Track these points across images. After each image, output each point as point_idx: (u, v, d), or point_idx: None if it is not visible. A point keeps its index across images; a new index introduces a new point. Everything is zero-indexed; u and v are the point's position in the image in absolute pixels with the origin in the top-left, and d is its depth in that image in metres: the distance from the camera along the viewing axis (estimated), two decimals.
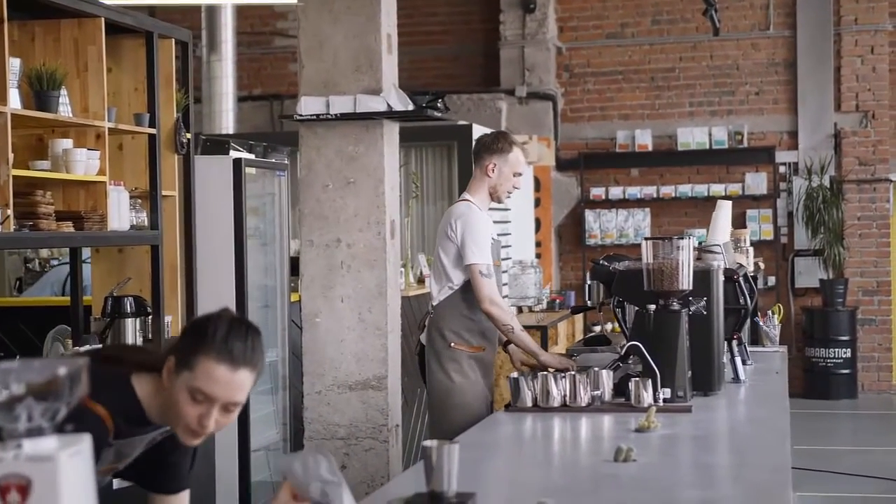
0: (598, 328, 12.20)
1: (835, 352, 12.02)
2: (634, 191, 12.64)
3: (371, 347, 5.75)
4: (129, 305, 5.29)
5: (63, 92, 4.83)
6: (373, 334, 5.80)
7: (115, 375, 2.61)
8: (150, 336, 5.47)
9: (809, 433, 10.16)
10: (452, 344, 5.12)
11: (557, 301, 11.10)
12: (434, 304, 5.22)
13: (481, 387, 5.16)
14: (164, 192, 5.59)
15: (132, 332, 5.29)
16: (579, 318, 11.24)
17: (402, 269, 8.10)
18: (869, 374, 12.35)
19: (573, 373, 4.27)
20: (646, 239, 4.40)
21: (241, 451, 6.14)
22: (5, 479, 1.67)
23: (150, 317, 5.45)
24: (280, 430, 6.70)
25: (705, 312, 4.46)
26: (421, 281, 7.98)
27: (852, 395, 12.08)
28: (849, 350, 12.04)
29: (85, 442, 1.76)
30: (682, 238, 4.35)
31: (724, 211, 5.47)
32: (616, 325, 11.99)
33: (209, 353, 2.50)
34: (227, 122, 10.34)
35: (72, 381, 1.74)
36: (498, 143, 5.24)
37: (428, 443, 2.71)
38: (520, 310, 10.00)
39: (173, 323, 5.72)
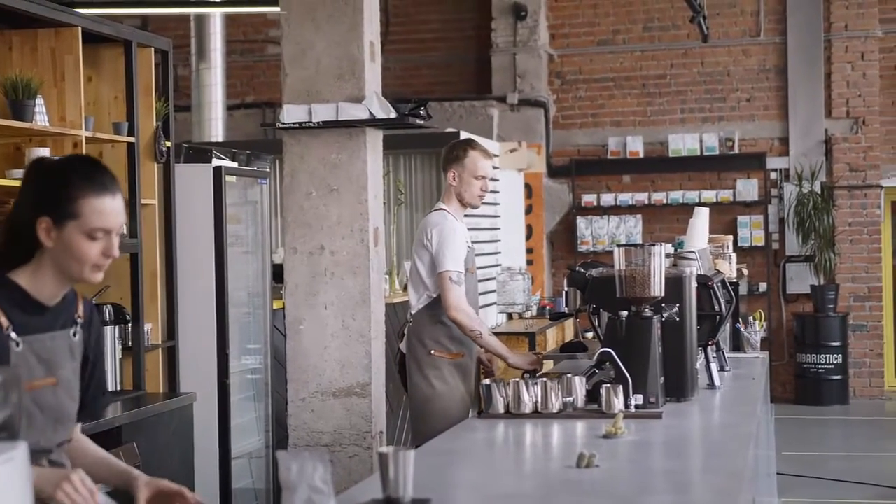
0: (590, 335, 12.20)
1: (826, 357, 12.02)
2: (626, 197, 12.66)
3: (355, 354, 5.76)
4: (108, 313, 5.31)
5: (39, 101, 4.85)
6: (356, 341, 5.81)
7: None
8: (129, 344, 5.48)
9: (800, 439, 10.16)
10: (432, 351, 5.22)
11: (548, 308, 11.11)
12: (412, 312, 5.32)
13: (461, 392, 5.23)
14: (143, 201, 5.61)
15: (111, 339, 5.30)
16: (569, 324, 11.25)
17: (387, 277, 8.12)
18: (860, 380, 12.36)
19: (545, 379, 4.28)
20: (618, 245, 4.41)
21: (222, 457, 6.16)
22: None
23: (129, 325, 5.46)
24: (263, 437, 6.71)
25: (678, 319, 4.47)
26: (406, 288, 7.99)
27: (844, 401, 12.09)
28: (840, 356, 12.05)
29: (19, 450, 1.78)
30: (654, 245, 4.37)
31: (701, 218, 5.49)
32: None
33: (87, 194, 2.63)
34: (216, 130, 10.37)
35: (4, 389, 1.76)
36: (454, 151, 5.39)
37: (383, 449, 2.73)
38: (509, 316, 10.01)
39: (153, 331, 5.73)
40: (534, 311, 10.32)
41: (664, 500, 2.97)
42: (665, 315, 4.43)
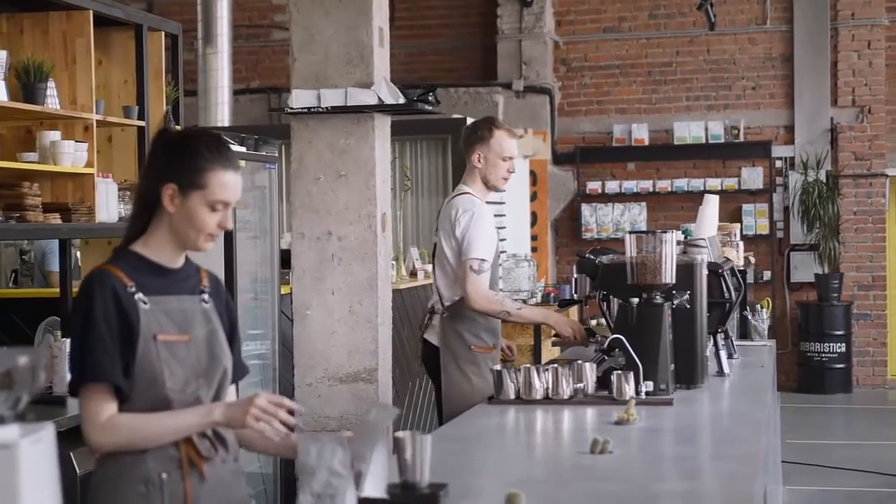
0: (594, 322, 12.21)
1: (830, 346, 12.04)
2: (631, 185, 12.66)
3: (362, 340, 5.76)
4: None
5: (50, 84, 4.85)
6: (364, 327, 5.81)
7: (115, 254, 2.85)
8: None
9: (803, 427, 10.18)
10: (472, 347, 5.03)
11: (553, 295, 11.12)
12: (446, 303, 5.08)
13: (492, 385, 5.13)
14: None
15: None
16: (574, 311, 11.26)
17: (395, 262, 8.12)
18: (863, 369, 12.37)
19: (556, 366, 4.27)
20: (629, 232, 4.41)
21: None
22: None
23: None
24: None
25: (688, 306, 4.47)
26: (413, 274, 8.00)
27: (847, 390, 12.11)
28: (843, 344, 12.06)
29: (47, 430, 1.78)
30: (666, 232, 4.36)
31: (711, 205, 5.49)
32: None
33: (215, 168, 2.76)
34: (222, 114, 10.34)
35: (33, 371, 1.77)
36: (478, 130, 5.16)
37: (400, 434, 2.73)
38: None
39: None
40: (538, 297, 10.32)
41: (679, 486, 2.98)
42: (676, 302, 4.42)
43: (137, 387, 2.73)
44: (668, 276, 4.34)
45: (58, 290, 5.69)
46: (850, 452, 9.25)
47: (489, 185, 5.15)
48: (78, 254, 6.11)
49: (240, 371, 3.00)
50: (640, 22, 12.83)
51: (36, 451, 1.74)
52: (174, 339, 2.77)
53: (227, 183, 2.77)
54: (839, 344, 12.04)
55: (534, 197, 12.18)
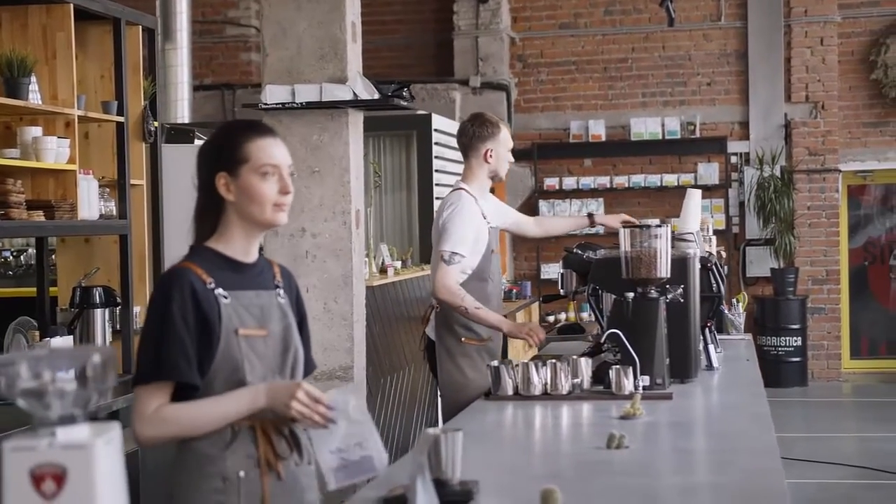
0: (551, 318, 12.25)
1: (785, 340, 12.15)
2: (588, 181, 12.70)
3: (337, 337, 5.74)
4: (97, 296, 5.22)
5: (33, 79, 4.75)
6: (339, 324, 5.79)
7: (190, 251, 2.85)
8: (118, 327, 5.40)
9: None
10: (463, 339, 5.04)
11: (514, 291, 11.15)
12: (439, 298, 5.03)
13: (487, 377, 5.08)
14: (132, 181, 5.53)
15: (101, 322, 5.22)
16: (535, 307, 11.31)
17: (366, 260, 8.08)
18: (819, 362, 12.50)
19: (554, 361, 4.26)
20: (624, 226, 4.40)
21: None
22: (40, 468, 1.65)
23: (118, 307, 5.38)
24: None
25: (682, 300, 4.48)
26: (383, 271, 7.96)
27: (803, 383, 12.23)
28: (799, 338, 12.18)
29: (115, 430, 1.74)
30: (660, 226, 4.36)
31: (695, 199, 5.50)
32: (573, 314, 12.01)
33: (250, 138, 2.79)
34: (182, 111, 10.22)
35: (104, 369, 1.72)
36: (487, 128, 5.17)
37: (432, 430, 2.71)
38: None
39: (142, 313, 5.65)
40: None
41: (706, 479, 2.97)
42: (670, 296, 4.42)
43: (219, 380, 2.72)
44: (663, 270, 4.34)
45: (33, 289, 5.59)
46: (809, 445, 9.34)
47: (496, 179, 5.26)
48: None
49: (308, 366, 2.99)
50: (596, 18, 12.87)
51: (108, 451, 1.70)
52: (254, 333, 2.77)
53: (267, 146, 2.79)
54: (795, 338, 12.16)
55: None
